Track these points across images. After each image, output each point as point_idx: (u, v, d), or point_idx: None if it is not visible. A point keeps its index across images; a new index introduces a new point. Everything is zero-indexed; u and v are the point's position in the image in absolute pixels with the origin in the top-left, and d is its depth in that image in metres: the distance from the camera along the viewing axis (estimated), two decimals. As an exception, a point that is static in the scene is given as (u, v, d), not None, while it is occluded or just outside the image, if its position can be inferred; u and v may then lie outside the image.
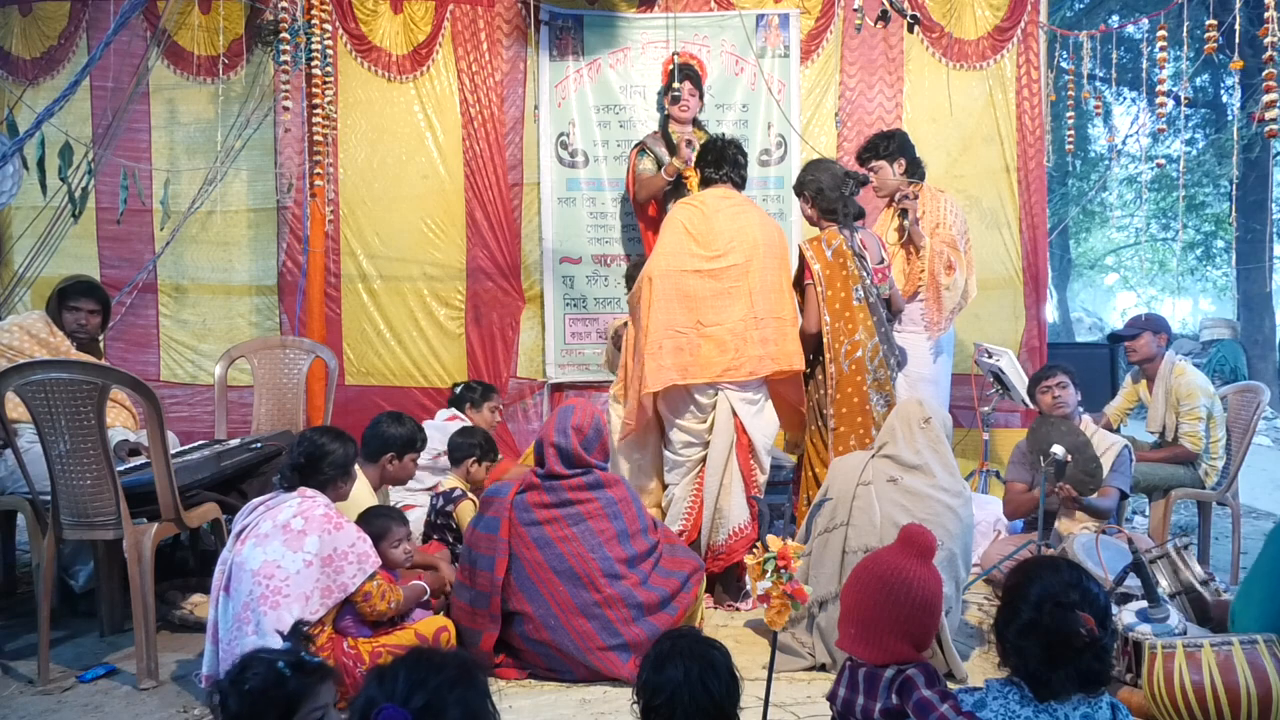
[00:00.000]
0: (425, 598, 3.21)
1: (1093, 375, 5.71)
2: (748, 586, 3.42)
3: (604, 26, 5.52)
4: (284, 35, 4.71)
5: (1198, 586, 3.19)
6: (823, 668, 3.21)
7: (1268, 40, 3.51)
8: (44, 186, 4.07)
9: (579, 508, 3.17)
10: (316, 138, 5.15)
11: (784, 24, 5.48)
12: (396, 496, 4.28)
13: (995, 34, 5.41)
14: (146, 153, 5.66)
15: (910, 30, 4.74)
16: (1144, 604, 2.94)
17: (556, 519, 3.16)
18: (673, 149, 4.93)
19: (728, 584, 3.96)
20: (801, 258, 4.08)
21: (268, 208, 5.67)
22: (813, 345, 4.04)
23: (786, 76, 5.50)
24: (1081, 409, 4.28)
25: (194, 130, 5.68)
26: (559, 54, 5.52)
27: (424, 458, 4.23)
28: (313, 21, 4.97)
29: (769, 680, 2.28)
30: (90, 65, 3.82)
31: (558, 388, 5.64)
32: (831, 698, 2.13)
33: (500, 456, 4.50)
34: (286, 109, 4.95)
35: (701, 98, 5.16)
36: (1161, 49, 4.46)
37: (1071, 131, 5.23)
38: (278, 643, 2.56)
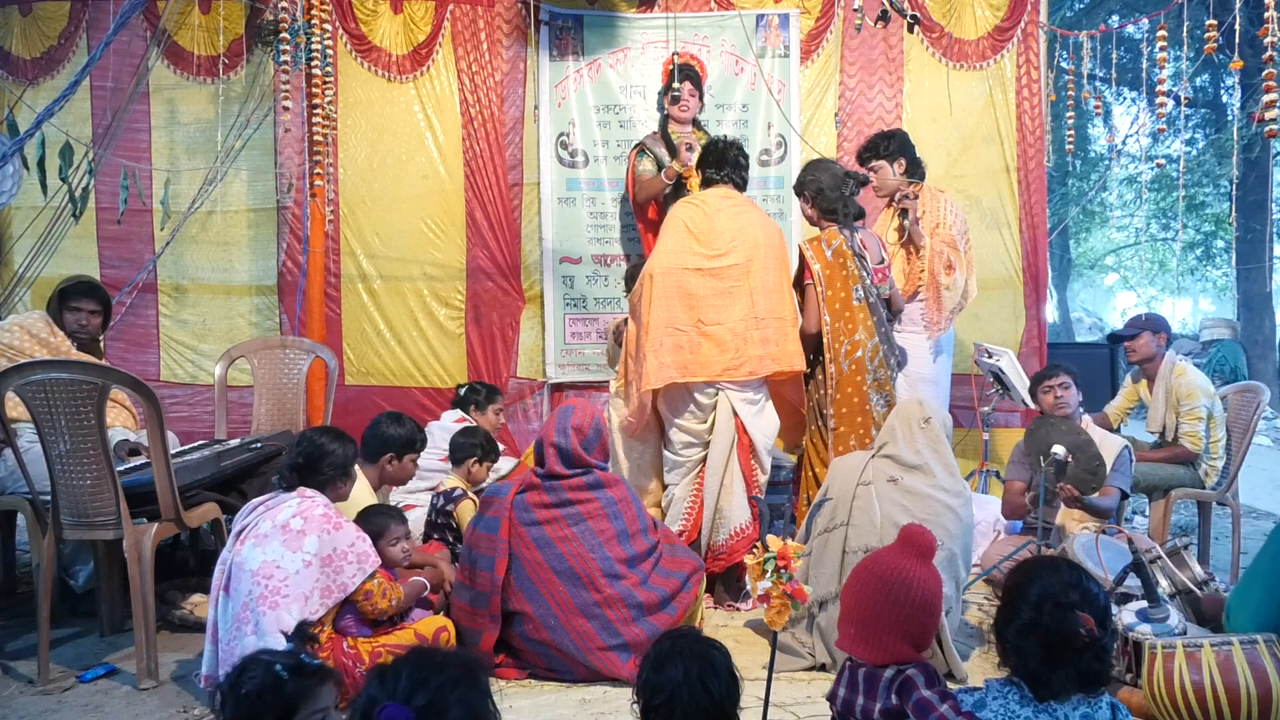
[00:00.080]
0: (425, 594, 3.21)
1: (1093, 375, 5.71)
2: (748, 586, 3.43)
3: (604, 26, 5.52)
4: (284, 35, 4.71)
5: (1194, 589, 3.19)
6: (823, 668, 3.21)
7: (1268, 40, 3.51)
8: (44, 186, 4.08)
9: (579, 508, 3.18)
10: (316, 138, 5.15)
11: (784, 24, 5.49)
12: (397, 497, 4.28)
13: (995, 34, 5.41)
14: (146, 153, 5.66)
15: (910, 30, 4.74)
16: (1144, 604, 2.94)
17: (556, 519, 3.16)
18: (673, 149, 4.92)
19: (728, 584, 3.96)
20: (801, 258, 4.08)
21: (268, 208, 5.67)
22: (813, 345, 4.05)
23: (786, 76, 5.50)
24: (1082, 409, 4.28)
25: (194, 130, 5.68)
26: (559, 54, 5.52)
27: (434, 459, 4.24)
28: (313, 21, 4.97)
29: (769, 680, 2.28)
30: (90, 65, 3.82)
31: (558, 388, 5.64)
32: (831, 698, 2.14)
33: (499, 457, 4.50)
34: (286, 109, 4.95)
35: (701, 98, 5.16)
36: (1161, 49, 4.46)
37: (1071, 131, 5.23)
38: (277, 642, 2.57)
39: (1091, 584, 1.89)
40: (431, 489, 4.24)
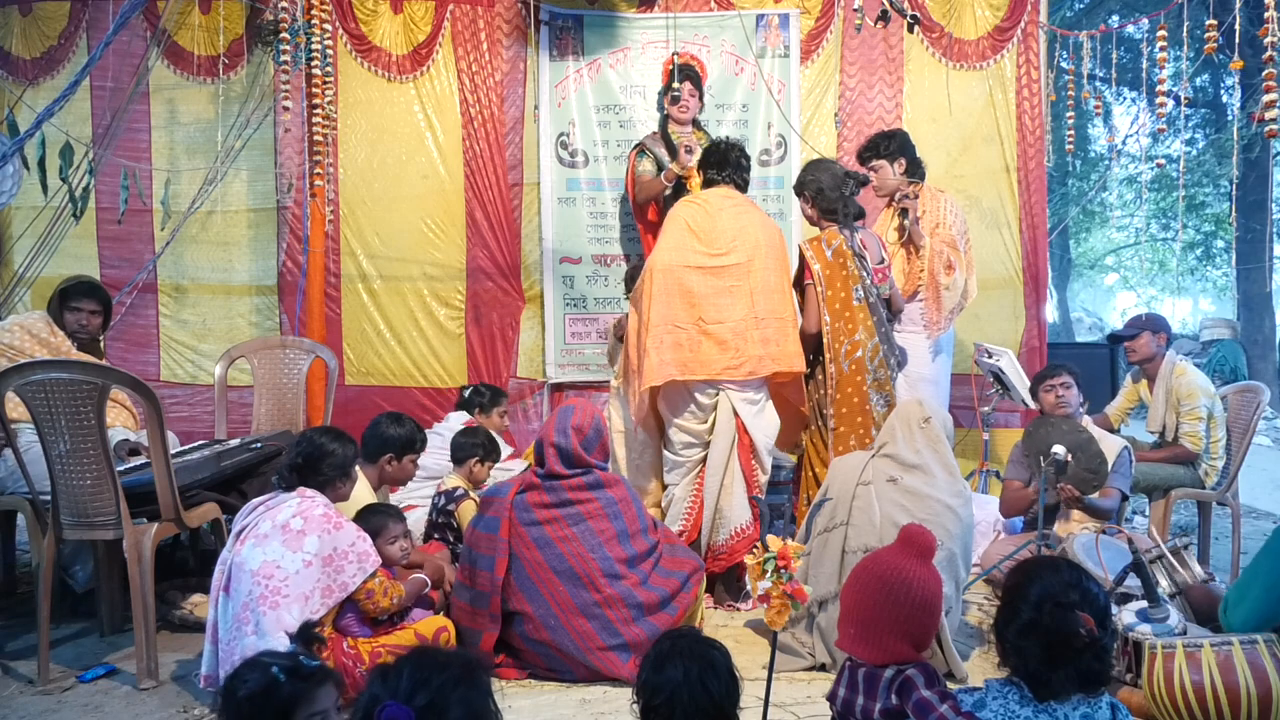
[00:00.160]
0: (426, 591, 3.21)
1: (1093, 375, 5.71)
2: (748, 586, 3.43)
3: (604, 26, 5.52)
4: (284, 35, 4.70)
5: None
6: (823, 668, 3.21)
7: (1268, 40, 3.51)
8: (44, 186, 4.07)
9: (579, 508, 3.18)
10: (316, 138, 5.15)
11: (784, 24, 5.48)
12: (400, 496, 4.29)
13: (995, 34, 5.41)
14: (146, 153, 5.66)
15: (910, 30, 4.73)
16: (1144, 604, 2.94)
17: (556, 519, 3.16)
18: (672, 150, 4.92)
19: (728, 584, 3.96)
20: (801, 258, 4.08)
21: (268, 208, 5.67)
22: (813, 345, 4.05)
23: (786, 76, 5.50)
24: (1083, 409, 4.28)
25: (194, 130, 5.68)
26: (559, 54, 5.52)
27: (441, 460, 4.24)
28: (313, 21, 4.97)
29: (769, 680, 2.28)
30: (90, 65, 3.82)
31: (558, 388, 5.64)
32: (831, 698, 2.14)
33: (501, 456, 4.50)
34: (286, 109, 4.94)
35: (701, 98, 5.16)
36: (1161, 49, 4.46)
37: (1071, 131, 5.23)
38: (278, 642, 2.58)
39: (1091, 584, 1.89)
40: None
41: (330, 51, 5.25)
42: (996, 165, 5.44)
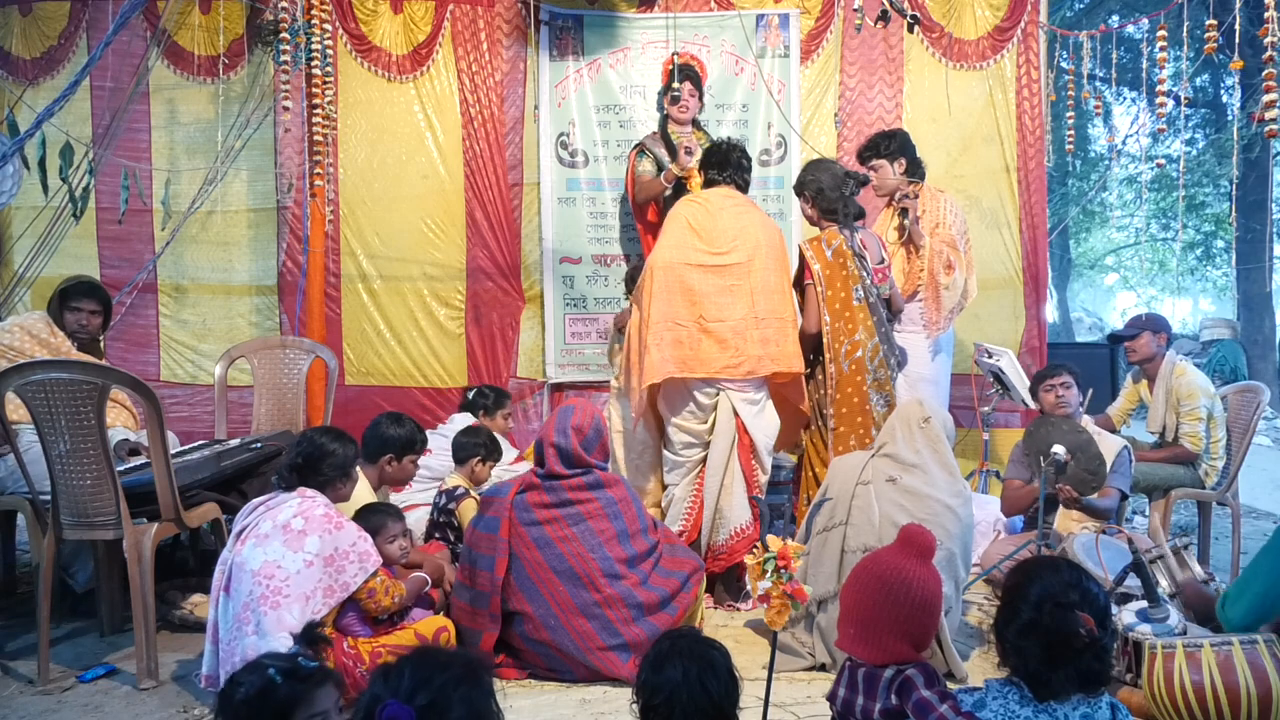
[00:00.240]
0: (426, 589, 3.21)
1: (1093, 375, 5.71)
2: (748, 586, 3.43)
3: (604, 26, 5.52)
4: (284, 35, 4.70)
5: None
6: (823, 668, 3.21)
7: (1268, 40, 3.51)
8: (45, 186, 4.07)
9: (579, 508, 3.18)
10: (316, 138, 5.15)
11: (784, 24, 5.49)
12: (403, 497, 4.28)
13: (995, 34, 5.41)
14: (146, 153, 5.66)
15: (910, 30, 4.73)
16: (1144, 604, 2.94)
17: (556, 519, 3.16)
18: (672, 150, 4.92)
19: (728, 584, 3.96)
20: (801, 258, 4.08)
21: (268, 208, 5.67)
22: (813, 345, 4.05)
23: (786, 76, 5.50)
24: (1083, 409, 4.28)
25: (194, 130, 5.68)
26: (559, 54, 5.52)
27: (446, 462, 4.23)
28: (313, 21, 4.97)
29: (769, 680, 2.29)
30: (90, 65, 3.82)
31: (558, 388, 5.64)
32: (831, 698, 2.14)
33: (502, 456, 4.50)
34: (286, 109, 4.94)
35: (701, 98, 5.16)
36: (1161, 49, 4.46)
37: (1071, 131, 5.22)
38: (279, 642, 2.58)
39: (1091, 584, 1.89)
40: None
41: (330, 51, 5.25)
42: (996, 165, 5.44)
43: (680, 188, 4.78)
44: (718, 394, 3.87)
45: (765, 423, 3.95)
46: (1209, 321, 10.53)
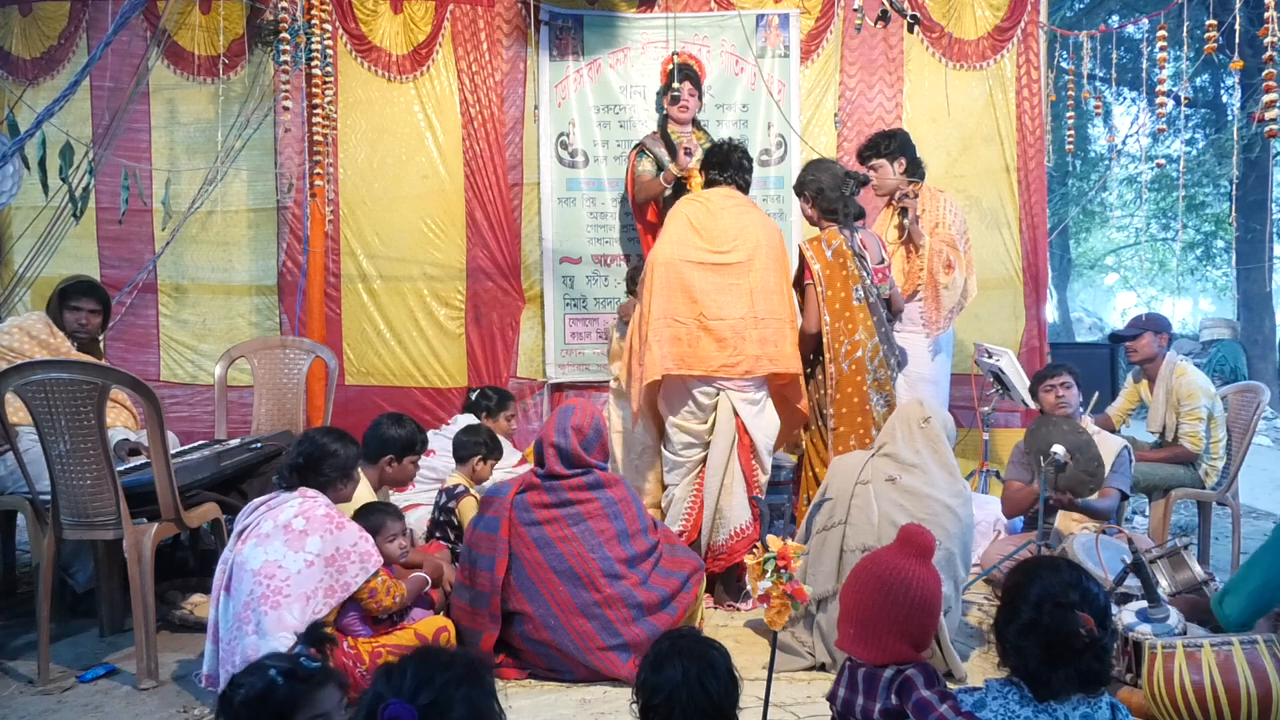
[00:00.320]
0: (426, 589, 3.21)
1: (1093, 375, 5.71)
2: (748, 586, 3.43)
3: (604, 26, 5.52)
4: (284, 35, 4.70)
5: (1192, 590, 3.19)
6: (823, 667, 3.21)
7: (1268, 40, 3.51)
8: (45, 186, 4.07)
9: (579, 508, 3.18)
10: (316, 138, 5.15)
11: (784, 24, 5.49)
12: (405, 496, 4.28)
13: (995, 34, 5.41)
14: (146, 153, 5.66)
15: (910, 30, 4.73)
16: (1144, 604, 2.94)
17: (556, 519, 3.16)
18: (672, 150, 4.92)
19: (728, 584, 3.96)
20: (801, 258, 4.08)
21: (268, 208, 5.67)
22: (813, 345, 4.05)
23: (786, 76, 5.50)
24: (1083, 409, 4.28)
25: (194, 130, 5.68)
26: (559, 54, 5.52)
27: (450, 463, 4.24)
28: (313, 21, 4.97)
29: (769, 680, 2.29)
30: (90, 65, 3.82)
31: (558, 388, 5.64)
32: (831, 698, 2.14)
33: (512, 461, 4.50)
34: (286, 109, 4.94)
35: (701, 98, 5.16)
36: (1161, 49, 4.46)
37: (1071, 131, 5.22)
38: (279, 641, 2.58)
39: (1091, 584, 1.89)
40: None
41: (330, 51, 5.25)
42: (996, 165, 5.45)
43: (680, 188, 4.78)
44: (717, 394, 3.87)
45: (765, 423, 3.95)
46: (1209, 321, 10.53)
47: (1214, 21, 3.88)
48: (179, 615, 3.70)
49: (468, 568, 3.20)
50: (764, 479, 4.00)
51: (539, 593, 3.10)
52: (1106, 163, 14.09)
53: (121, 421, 4.07)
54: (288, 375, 4.67)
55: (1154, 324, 4.75)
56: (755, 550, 2.30)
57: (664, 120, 5.12)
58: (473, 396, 4.97)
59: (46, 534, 3.24)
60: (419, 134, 5.63)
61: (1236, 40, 3.78)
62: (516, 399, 5.45)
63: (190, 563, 4.14)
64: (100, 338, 4.20)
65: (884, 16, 4.58)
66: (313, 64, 5.02)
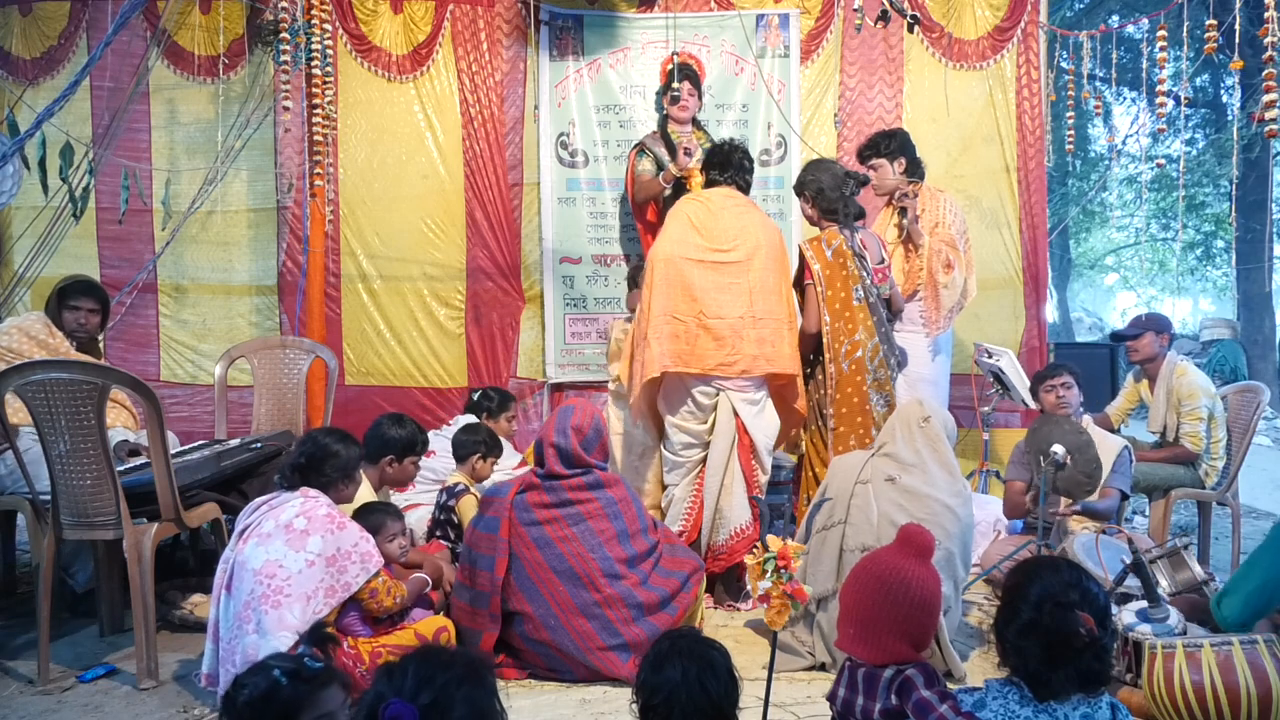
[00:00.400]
0: (427, 590, 3.21)
1: (1093, 375, 5.71)
2: (748, 586, 3.43)
3: (604, 26, 5.52)
4: (284, 35, 4.71)
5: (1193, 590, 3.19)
6: (823, 667, 3.21)
7: (1268, 40, 3.51)
8: (45, 186, 4.07)
9: (579, 508, 3.18)
10: (316, 138, 5.15)
11: (784, 24, 5.49)
12: (406, 496, 4.28)
13: (995, 34, 5.41)
14: (146, 153, 5.66)
15: (910, 30, 4.73)
16: (1144, 604, 2.94)
17: (556, 519, 3.16)
18: (672, 149, 4.92)
19: (728, 584, 3.96)
20: (801, 258, 4.08)
21: (268, 208, 5.67)
22: (812, 345, 4.05)
23: (786, 76, 5.50)
24: (1083, 409, 4.28)
25: (194, 130, 5.68)
26: (559, 54, 5.52)
27: (450, 464, 4.24)
28: (313, 21, 4.97)
29: (769, 680, 2.29)
30: (90, 65, 3.82)
31: (558, 388, 5.64)
32: (831, 698, 2.14)
33: (513, 462, 4.49)
34: (286, 109, 4.95)
35: (700, 98, 5.16)
36: (1161, 49, 4.46)
37: (1071, 131, 5.23)
38: (279, 641, 2.58)
39: (1091, 584, 1.89)
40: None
41: (330, 51, 5.25)
42: (996, 165, 5.44)
43: (679, 187, 4.79)
44: (717, 394, 3.87)
45: (765, 423, 3.95)
46: (1209, 321, 10.54)
47: (1214, 21, 3.89)
48: (179, 615, 3.70)
49: (468, 568, 3.20)
50: (764, 479, 4.00)
51: (539, 593, 3.10)
52: (1106, 163, 14.10)
53: (121, 422, 4.06)
54: (288, 375, 4.67)
55: (1155, 324, 4.75)
56: (755, 550, 2.30)
57: (664, 120, 5.12)
58: (474, 397, 4.97)
59: (46, 534, 3.24)
60: (419, 134, 5.63)
61: (1236, 40, 3.78)
62: (517, 400, 5.46)
63: (190, 563, 4.14)
64: (99, 337, 4.20)
65: (884, 16, 4.58)
66: (313, 64, 5.02)
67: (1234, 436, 4.58)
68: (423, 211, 5.64)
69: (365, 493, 3.40)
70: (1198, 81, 13.73)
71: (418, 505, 4.24)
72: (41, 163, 3.95)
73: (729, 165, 4.08)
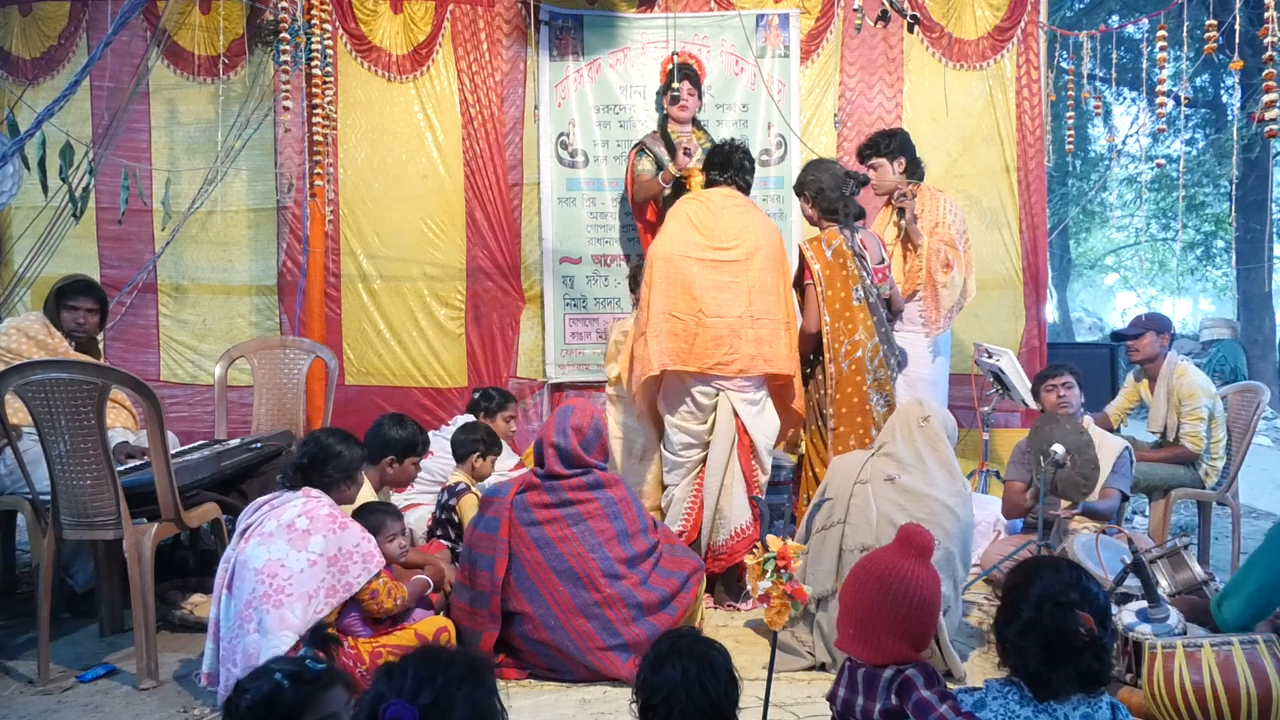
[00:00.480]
0: (428, 592, 3.21)
1: (1093, 375, 5.71)
2: (748, 586, 3.43)
3: (604, 26, 5.52)
4: (284, 35, 4.70)
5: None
6: (823, 667, 3.21)
7: (1268, 40, 3.51)
8: (44, 186, 4.07)
9: (579, 508, 3.18)
10: (316, 138, 5.15)
11: (784, 24, 5.49)
12: (403, 495, 4.28)
13: (995, 34, 5.41)
14: (146, 153, 5.66)
15: (910, 30, 4.73)
16: (1144, 604, 2.94)
17: (556, 519, 3.16)
18: (672, 149, 4.92)
19: (728, 584, 3.96)
20: (801, 258, 4.08)
21: (268, 208, 5.67)
22: (812, 345, 4.05)
23: (786, 76, 5.50)
24: (1084, 409, 4.28)
25: (194, 130, 5.68)
26: (559, 54, 5.52)
27: (449, 464, 4.24)
28: (313, 21, 4.97)
29: (769, 680, 2.29)
30: (90, 65, 3.82)
31: (558, 388, 5.64)
32: (831, 698, 2.14)
33: (513, 463, 4.49)
34: (286, 109, 4.95)
35: (700, 97, 5.16)
36: (1161, 49, 4.46)
37: (1071, 131, 5.22)
38: (280, 640, 2.58)
39: (1091, 584, 1.89)
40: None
41: (330, 51, 5.25)
42: (996, 165, 5.45)
43: (679, 187, 4.78)
44: (717, 394, 3.87)
45: (765, 423, 3.95)
46: (1209, 321, 10.54)
47: (1214, 21, 3.88)
48: (179, 615, 3.70)
49: (468, 568, 3.20)
50: (764, 479, 4.00)
51: (539, 593, 3.10)
52: (1106, 163, 14.10)
53: (121, 422, 4.07)
54: (288, 375, 4.67)
55: (1156, 324, 4.75)
56: (755, 550, 2.30)
57: (664, 120, 5.12)
58: (476, 397, 4.97)
59: (46, 534, 3.24)
60: (419, 134, 5.63)
61: (1236, 40, 3.78)
62: (517, 400, 5.45)
63: (190, 563, 4.14)
64: (99, 337, 4.20)
65: (884, 16, 4.58)
66: (313, 64, 5.02)
67: (1234, 436, 4.58)
68: (423, 211, 5.64)
69: (366, 493, 3.40)
70: (1198, 81, 13.73)
71: (417, 505, 4.24)
72: (41, 163, 3.95)
73: (729, 165, 4.08)
